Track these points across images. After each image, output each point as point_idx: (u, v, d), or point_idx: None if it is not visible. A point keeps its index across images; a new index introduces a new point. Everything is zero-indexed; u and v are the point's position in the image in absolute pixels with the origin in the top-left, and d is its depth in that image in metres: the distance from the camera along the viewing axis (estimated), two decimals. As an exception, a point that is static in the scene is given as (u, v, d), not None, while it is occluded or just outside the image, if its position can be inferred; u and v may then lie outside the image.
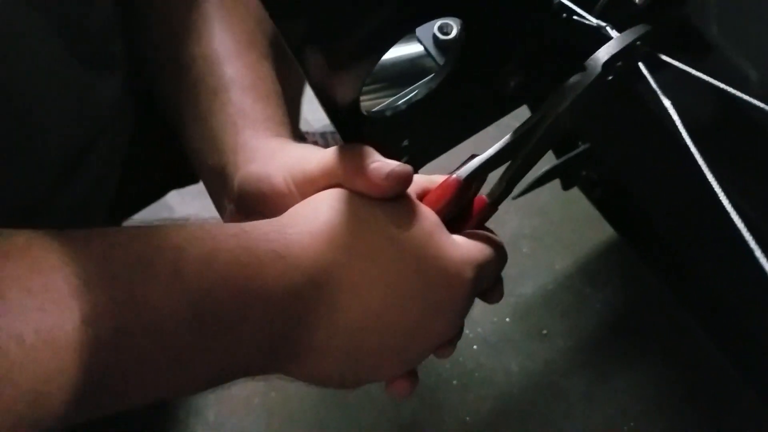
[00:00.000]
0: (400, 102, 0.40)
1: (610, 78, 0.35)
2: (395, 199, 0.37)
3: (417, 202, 0.38)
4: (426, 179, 0.41)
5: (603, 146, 0.61)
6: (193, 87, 0.48)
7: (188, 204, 1.28)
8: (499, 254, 0.41)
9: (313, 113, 1.19)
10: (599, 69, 0.34)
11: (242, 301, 0.32)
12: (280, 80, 0.50)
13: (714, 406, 1.07)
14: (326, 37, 0.32)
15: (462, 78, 0.40)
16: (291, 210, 0.38)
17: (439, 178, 0.41)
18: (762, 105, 0.28)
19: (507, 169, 0.40)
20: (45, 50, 0.43)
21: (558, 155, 0.78)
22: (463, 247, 0.38)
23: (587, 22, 0.38)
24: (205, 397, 1.08)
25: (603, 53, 0.34)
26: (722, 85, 0.29)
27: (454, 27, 0.48)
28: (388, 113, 0.40)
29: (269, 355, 0.35)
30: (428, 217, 0.38)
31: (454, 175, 0.39)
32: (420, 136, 0.43)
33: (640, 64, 0.34)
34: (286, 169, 0.40)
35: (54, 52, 0.44)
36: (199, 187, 0.53)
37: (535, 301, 1.18)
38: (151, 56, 0.53)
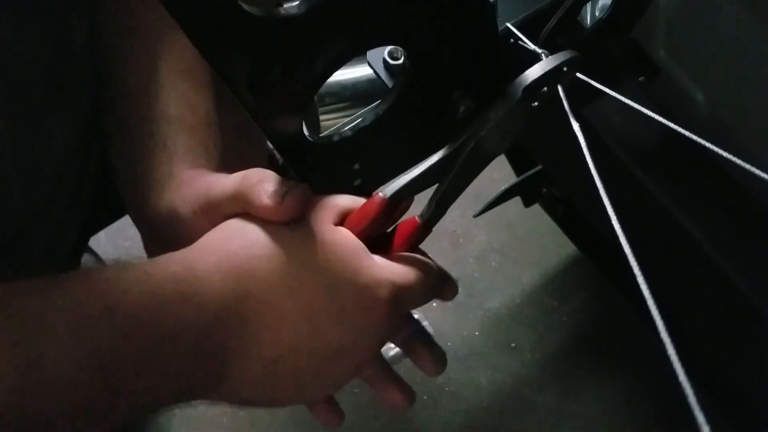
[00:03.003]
0: (346, 128, 0.40)
1: (536, 104, 0.35)
2: (307, 224, 0.37)
3: (330, 225, 0.38)
4: (351, 200, 0.40)
5: (548, 164, 0.62)
6: (126, 117, 0.48)
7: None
8: (429, 277, 0.40)
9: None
10: (519, 94, 0.34)
11: (150, 345, 0.33)
12: (229, 107, 0.50)
13: (683, 421, 1.08)
14: (267, 84, 0.32)
15: (410, 103, 0.40)
16: (200, 241, 0.37)
17: (362, 200, 0.39)
18: (681, 130, 0.28)
19: (435, 191, 0.39)
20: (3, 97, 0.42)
21: (518, 173, 0.79)
22: (380, 268, 0.37)
23: (529, 48, 0.39)
24: (172, 417, 1.06)
25: (523, 79, 0.34)
26: (648, 112, 0.29)
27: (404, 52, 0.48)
28: (335, 139, 0.40)
29: (186, 387, 0.35)
30: (341, 239, 0.37)
31: (380, 194, 0.38)
32: (371, 159, 0.43)
33: (559, 87, 0.34)
34: (193, 199, 0.40)
35: (12, 99, 0.43)
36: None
37: (503, 314, 1.18)
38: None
